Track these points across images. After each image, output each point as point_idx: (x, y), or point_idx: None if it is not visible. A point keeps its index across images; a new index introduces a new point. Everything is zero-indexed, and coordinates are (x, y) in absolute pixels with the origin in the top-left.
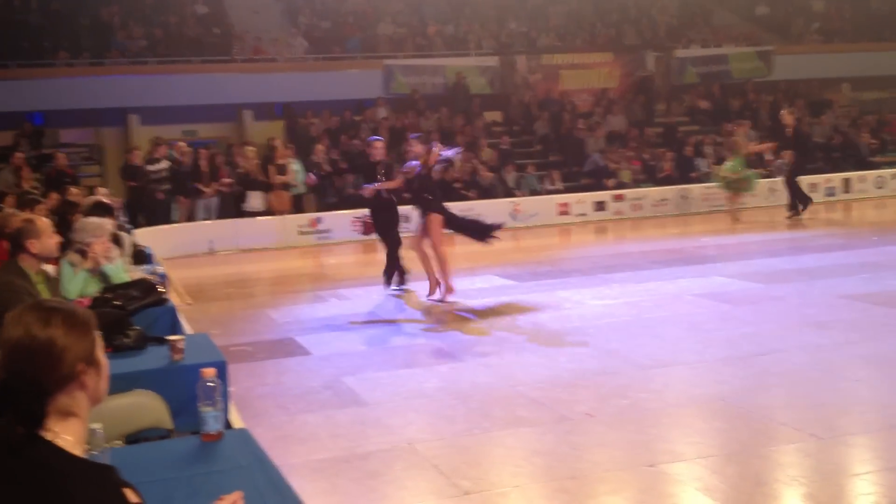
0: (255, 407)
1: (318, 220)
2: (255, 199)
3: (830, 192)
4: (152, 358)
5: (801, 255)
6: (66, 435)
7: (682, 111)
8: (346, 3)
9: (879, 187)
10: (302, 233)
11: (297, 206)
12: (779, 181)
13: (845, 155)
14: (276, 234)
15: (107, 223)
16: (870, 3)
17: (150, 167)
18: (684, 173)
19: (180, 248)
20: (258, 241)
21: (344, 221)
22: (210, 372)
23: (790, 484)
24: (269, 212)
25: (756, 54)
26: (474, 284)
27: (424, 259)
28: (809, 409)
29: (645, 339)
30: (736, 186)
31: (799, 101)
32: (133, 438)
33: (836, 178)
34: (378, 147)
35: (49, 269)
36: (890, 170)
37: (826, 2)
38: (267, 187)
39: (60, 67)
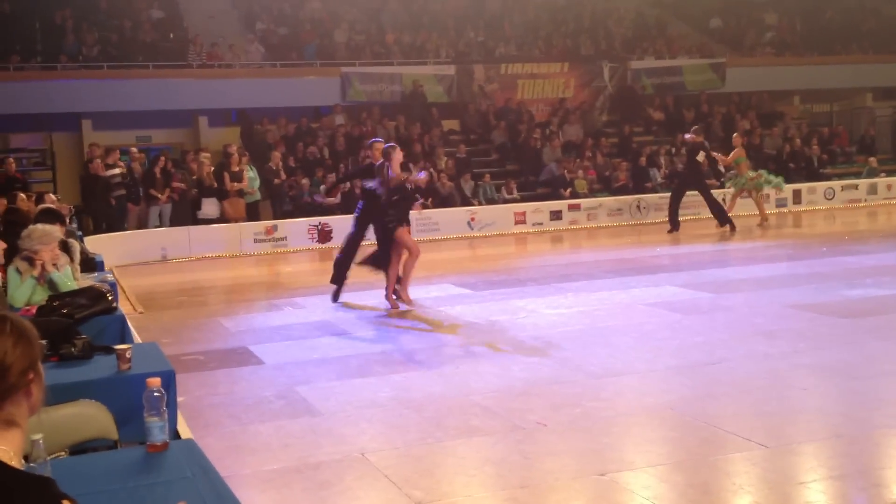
0: (206, 417)
1: (273, 228)
2: (209, 206)
3: (781, 203)
4: (99, 367)
5: (751, 265)
6: (5, 446)
7: (636, 122)
8: (304, 10)
9: (829, 199)
10: (257, 240)
11: (253, 214)
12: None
13: (796, 167)
14: (230, 242)
15: (55, 230)
16: (821, 17)
17: (103, 173)
18: (639, 183)
19: (132, 256)
20: (212, 248)
21: (300, 229)
22: (155, 382)
23: (737, 492)
24: (223, 219)
25: (709, 66)
26: (430, 293)
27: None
28: (757, 418)
29: (597, 349)
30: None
31: (751, 112)
32: (78, 449)
33: (787, 189)
34: (378, 148)
35: None
36: (839, 181)
37: (778, 15)
38: (222, 194)
39: (12, 71)
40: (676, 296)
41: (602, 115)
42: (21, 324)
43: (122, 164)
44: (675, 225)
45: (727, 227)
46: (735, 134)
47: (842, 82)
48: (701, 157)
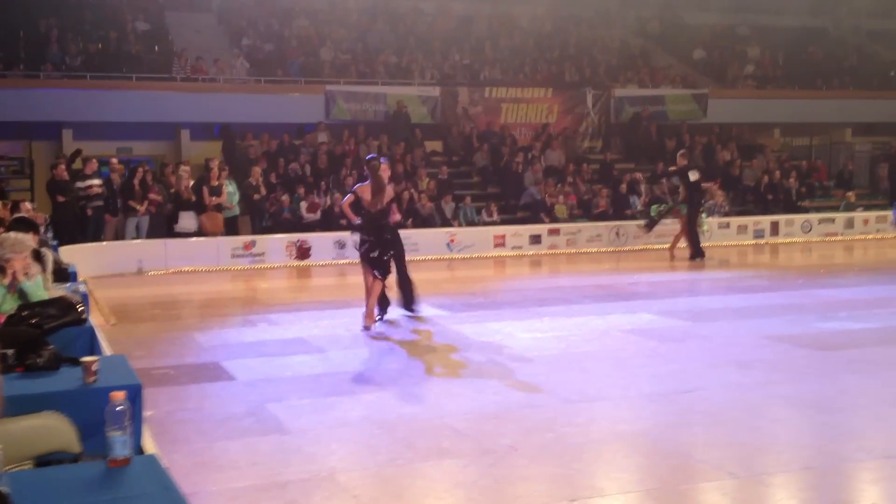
0: (173, 432)
1: (252, 244)
2: (186, 220)
3: (759, 235)
4: (64, 379)
5: (728, 294)
6: None
7: (617, 149)
8: (291, 27)
9: (806, 231)
10: (235, 255)
11: (232, 229)
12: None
13: (774, 198)
14: (208, 256)
15: (28, 239)
16: (803, 52)
17: (80, 183)
18: (619, 210)
19: (108, 267)
20: (189, 262)
21: (279, 246)
22: (119, 395)
23: None
24: (201, 233)
25: (692, 97)
26: (406, 313)
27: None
28: (728, 448)
29: (572, 374)
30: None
31: (731, 143)
32: (43, 461)
33: (765, 220)
34: (385, 168)
35: None
36: (817, 215)
37: (761, 49)
38: (200, 208)
39: None
40: (653, 323)
41: (584, 140)
42: None
43: (99, 181)
44: (699, 252)
45: (699, 259)
46: (681, 151)
47: (822, 117)
48: (694, 175)
